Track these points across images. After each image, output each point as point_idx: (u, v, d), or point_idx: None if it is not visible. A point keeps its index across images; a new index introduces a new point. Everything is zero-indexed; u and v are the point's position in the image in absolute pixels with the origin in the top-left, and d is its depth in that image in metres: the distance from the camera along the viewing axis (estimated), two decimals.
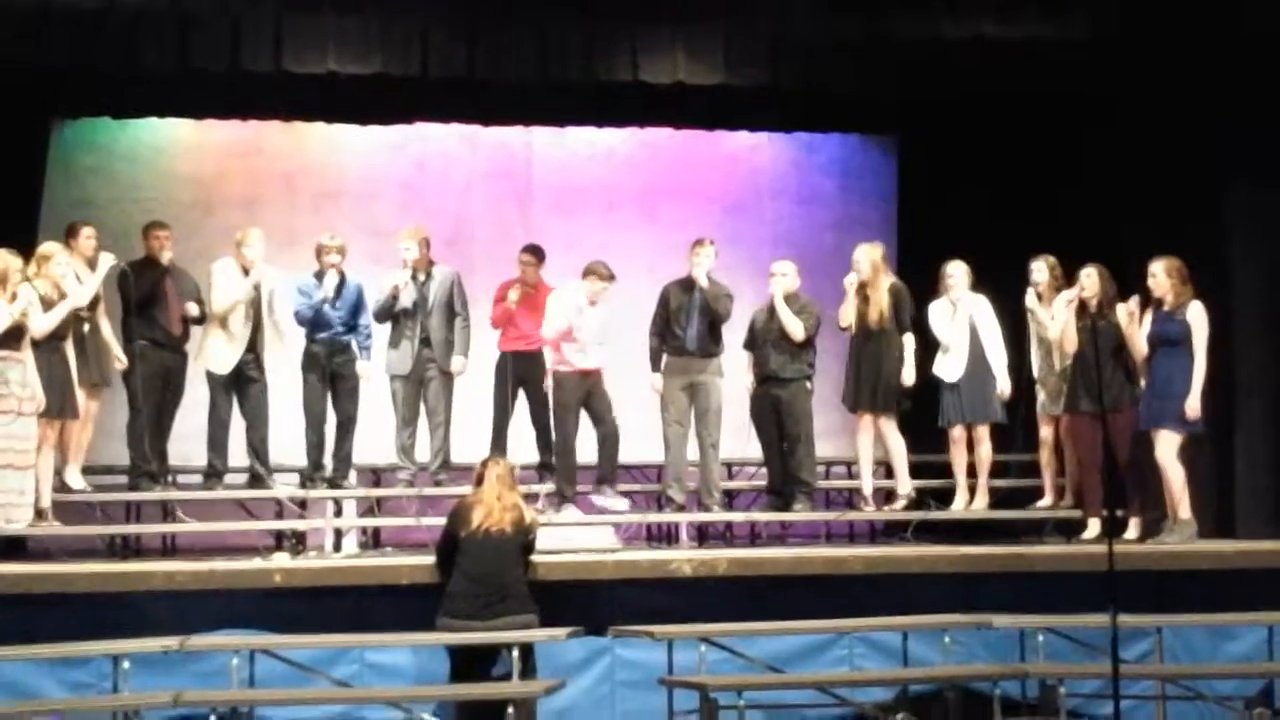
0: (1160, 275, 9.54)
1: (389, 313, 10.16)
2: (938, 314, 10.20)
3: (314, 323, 10.09)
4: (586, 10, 10.30)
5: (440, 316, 10.18)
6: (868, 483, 10.36)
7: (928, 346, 10.22)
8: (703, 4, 10.47)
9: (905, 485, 10.15)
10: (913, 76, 10.88)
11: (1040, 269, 10.06)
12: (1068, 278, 9.94)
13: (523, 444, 10.42)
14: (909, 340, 10.11)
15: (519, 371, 10.36)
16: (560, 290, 10.16)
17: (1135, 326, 9.59)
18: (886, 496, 10.41)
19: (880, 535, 10.73)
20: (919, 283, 10.56)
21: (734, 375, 10.31)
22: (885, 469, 10.44)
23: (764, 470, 10.44)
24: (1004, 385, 10.06)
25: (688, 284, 10.07)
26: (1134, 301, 9.63)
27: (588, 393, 10.01)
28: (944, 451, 10.21)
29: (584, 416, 10.08)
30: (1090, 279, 9.71)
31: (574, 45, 10.58)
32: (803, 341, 10.08)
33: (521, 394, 10.43)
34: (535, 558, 8.27)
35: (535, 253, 10.55)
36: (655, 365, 10.17)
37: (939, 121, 11.83)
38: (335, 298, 10.07)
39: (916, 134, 12.37)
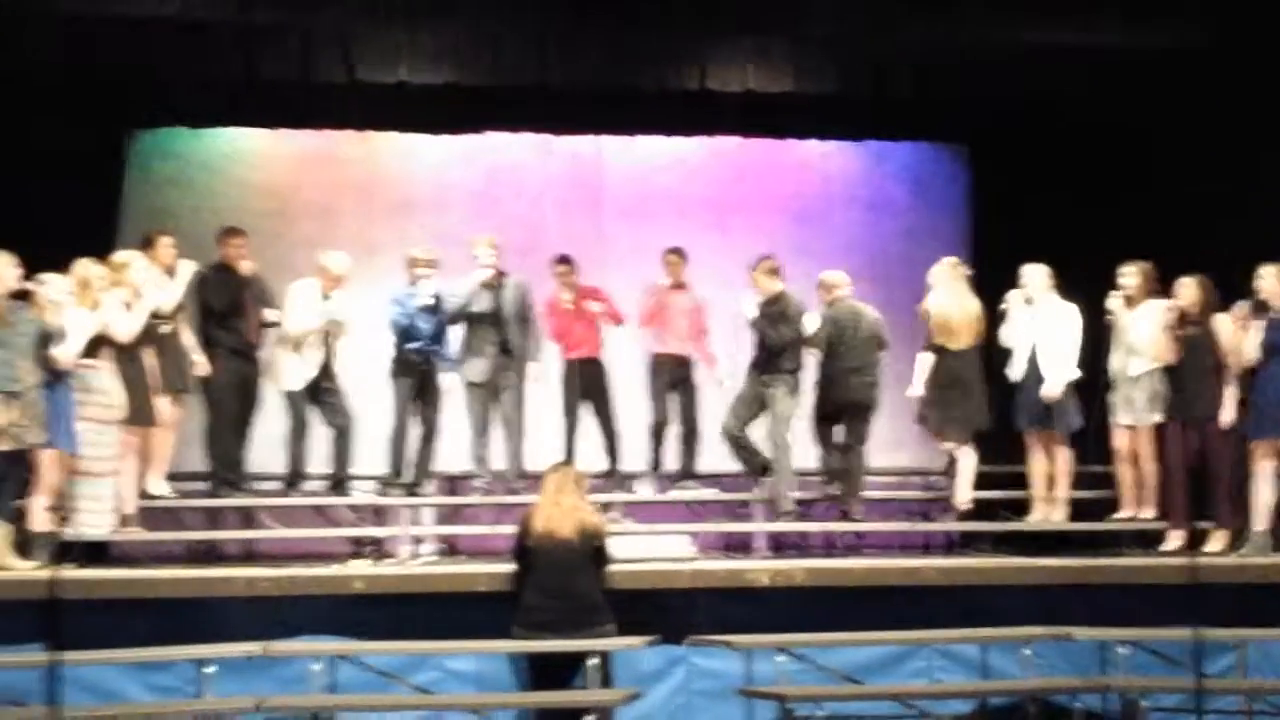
0: (1270, 280, 9.34)
1: (468, 317, 10.19)
2: (1011, 317, 10.14)
3: (406, 333, 10.16)
4: (657, 20, 10.32)
5: (516, 325, 10.24)
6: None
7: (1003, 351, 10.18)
8: (772, 13, 10.47)
9: (963, 499, 10.10)
10: (982, 83, 10.86)
11: (1131, 274, 9.88)
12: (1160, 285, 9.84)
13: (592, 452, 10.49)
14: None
15: (583, 379, 10.43)
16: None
17: (1242, 333, 9.42)
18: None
19: (957, 546, 10.67)
20: (990, 290, 10.53)
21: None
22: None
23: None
24: (1050, 386, 9.83)
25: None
26: (1242, 307, 9.50)
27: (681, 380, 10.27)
28: (1022, 461, 10.15)
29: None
30: (1186, 289, 9.56)
31: (644, 54, 10.65)
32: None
33: (588, 403, 10.51)
34: (612, 567, 8.29)
35: (567, 262, 10.61)
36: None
37: (1010, 128, 11.78)
38: (429, 309, 10.13)
39: (988, 140, 12.32)
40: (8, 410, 8.49)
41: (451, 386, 10.27)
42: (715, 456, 10.63)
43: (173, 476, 10.04)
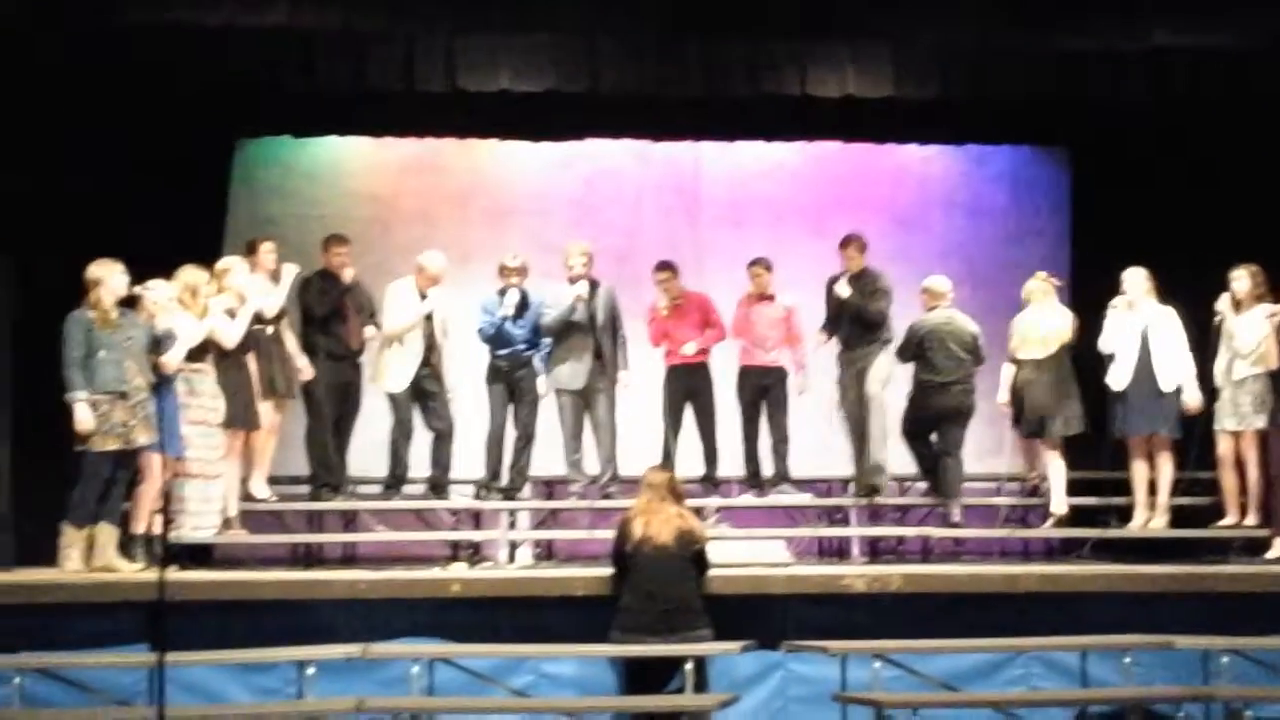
0: None
1: (563, 326, 10.27)
2: (1111, 321, 10.04)
3: (496, 339, 10.24)
4: (755, 25, 10.30)
5: (607, 332, 10.29)
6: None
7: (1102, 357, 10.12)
8: (871, 17, 10.41)
9: (1059, 505, 10.16)
10: (1083, 86, 10.74)
11: (1241, 277, 9.74)
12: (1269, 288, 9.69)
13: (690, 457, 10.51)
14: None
15: (685, 385, 10.46)
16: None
17: None
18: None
19: (1056, 553, 10.57)
20: (1093, 294, 10.45)
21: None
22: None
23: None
24: (1191, 396, 9.83)
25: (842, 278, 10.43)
26: None
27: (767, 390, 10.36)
28: (1124, 468, 10.04)
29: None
30: None
31: (742, 60, 10.60)
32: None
33: (689, 408, 10.52)
34: (711, 572, 8.28)
35: (669, 268, 10.65)
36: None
37: (1112, 130, 11.64)
38: (516, 316, 10.21)
39: (1089, 144, 12.18)
40: (116, 411, 8.68)
41: (546, 392, 10.33)
42: (810, 462, 10.62)
43: (275, 480, 10.20)
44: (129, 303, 8.94)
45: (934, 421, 10.22)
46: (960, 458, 10.23)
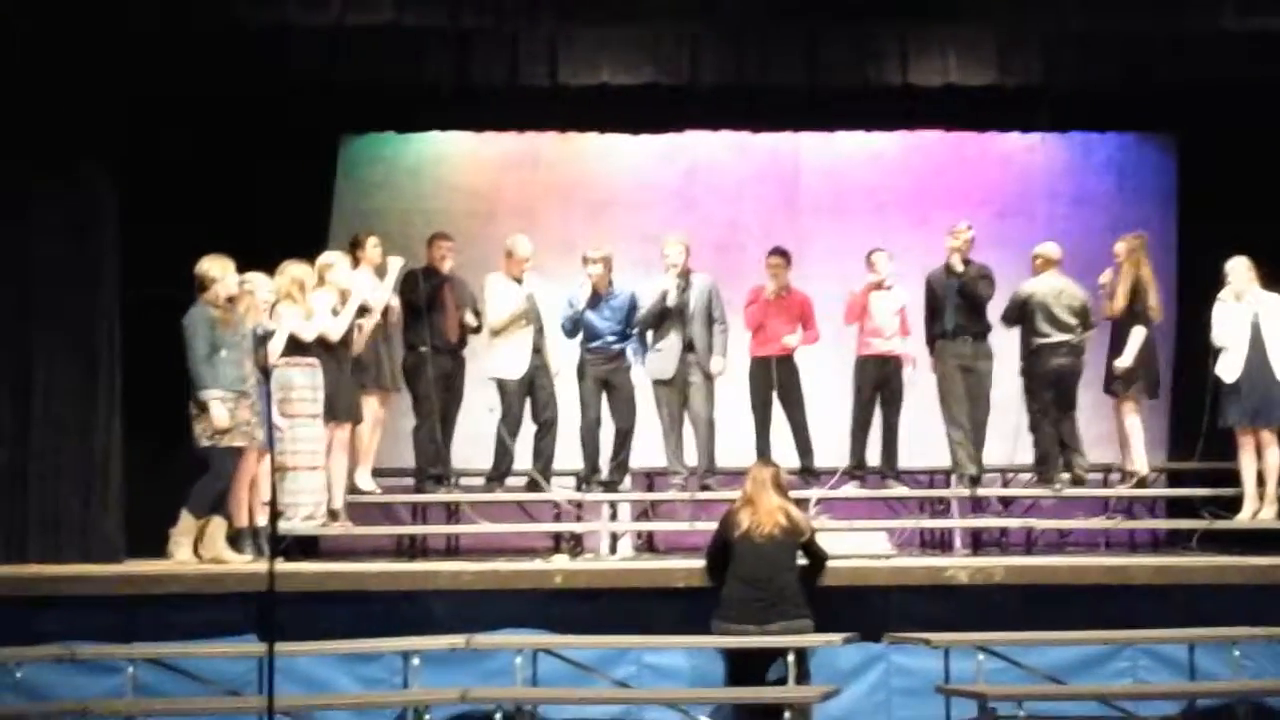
0: None
1: (657, 318, 10.30)
2: (1220, 313, 9.93)
3: (574, 331, 10.31)
4: (855, 14, 10.24)
5: (701, 322, 10.29)
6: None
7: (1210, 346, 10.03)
8: (973, 4, 10.31)
9: (1139, 464, 10.23)
10: (1191, 71, 10.57)
11: None
12: None
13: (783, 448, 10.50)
14: (1139, 331, 10.29)
15: (774, 376, 10.45)
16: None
17: None
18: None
19: (1163, 545, 10.45)
20: (1202, 282, 10.31)
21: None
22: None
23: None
24: None
25: (946, 268, 10.43)
26: None
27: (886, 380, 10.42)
28: (1231, 458, 9.90)
29: None
30: None
31: (842, 49, 10.54)
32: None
33: (776, 399, 10.53)
34: (805, 561, 8.29)
35: (783, 255, 10.64)
36: (930, 347, 10.52)
37: (1221, 116, 11.44)
38: (589, 308, 10.24)
39: (1197, 130, 11.99)
40: (241, 409, 8.84)
41: (640, 384, 10.36)
42: (913, 453, 10.58)
43: (379, 472, 10.32)
44: (231, 300, 9.09)
45: (1049, 381, 10.27)
46: (1075, 416, 10.29)
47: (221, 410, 8.77)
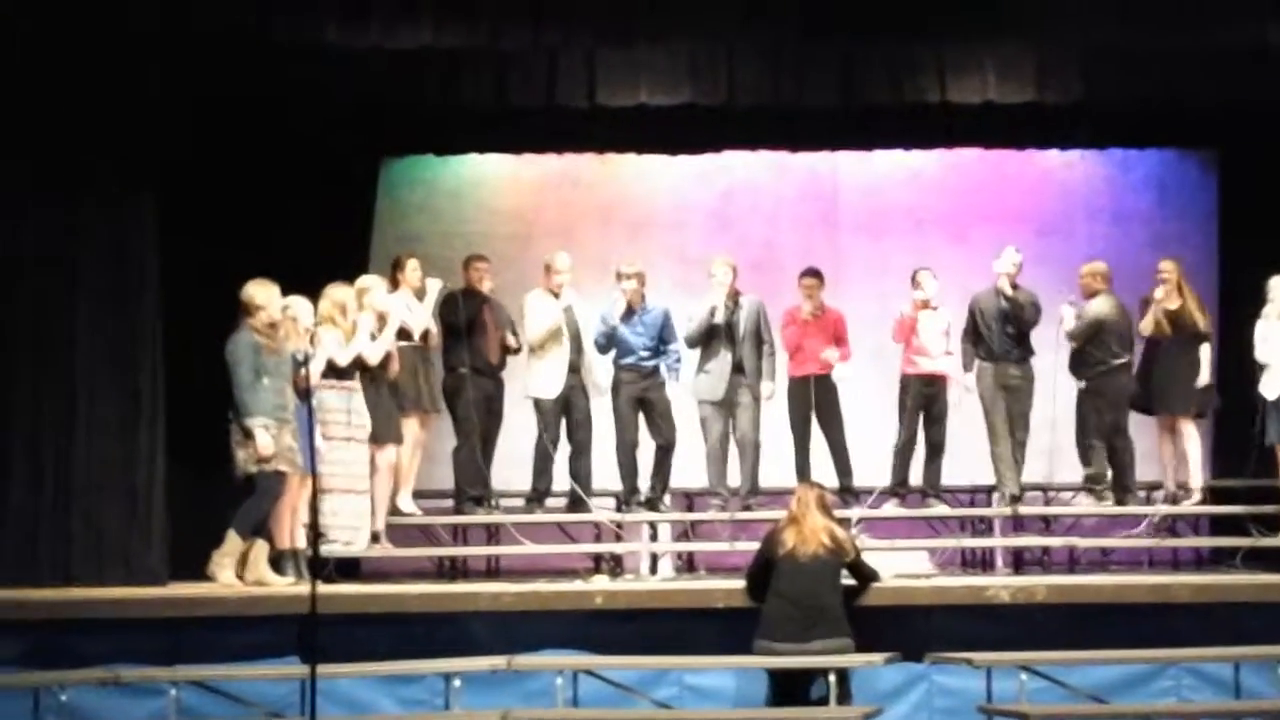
0: None
1: (705, 336, 10.30)
2: (1263, 330, 9.89)
3: (616, 348, 10.32)
4: (892, 32, 10.21)
5: (751, 344, 10.31)
6: (1170, 481, 10.42)
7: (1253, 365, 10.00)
8: (1012, 20, 10.25)
9: (1196, 481, 10.30)
10: (1233, 86, 10.52)
11: None
12: None
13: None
14: (1206, 348, 10.37)
15: (813, 395, 10.44)
16: None
17: None
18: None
19: (1206, 563, 10.39)
20: (1243, 301, 10.26)
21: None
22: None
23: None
24: None
25: (995, 291, 10.47)
26: None
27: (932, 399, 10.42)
28: (1274, 475, 9.83)
29: None
30: None
31: (880, 68, 10.55)
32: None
33: (815, 419, 10.52)
34: (848, 581, 8.27)
35: (816, 275, 10.65)
36: (967, 367, 10.55)
37: (1263, 132, 11.39)
38: (622, 323, 10.27)
39: (1239, 146, 11.92)
40: (284, 435, 8.88)
41: (675, 400, 10.36)
42: (953, 472, 10.55)
43: (419, 494, 10.35)
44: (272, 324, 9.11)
45: (1118, 401, 10.39)
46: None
47: (266, 437, 8.80)
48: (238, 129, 10.28)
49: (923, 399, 10.51)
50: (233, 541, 8.88)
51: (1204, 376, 10.27)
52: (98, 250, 9.49)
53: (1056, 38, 10.30)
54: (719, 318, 10.26)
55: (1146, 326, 10.38)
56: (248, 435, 8.83)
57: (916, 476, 10.58)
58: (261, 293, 8.99)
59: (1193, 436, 10.34)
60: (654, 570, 9.87)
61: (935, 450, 10.55)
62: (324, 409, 9.16)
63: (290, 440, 8.93)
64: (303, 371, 8.70)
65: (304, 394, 8.80)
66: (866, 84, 10.53)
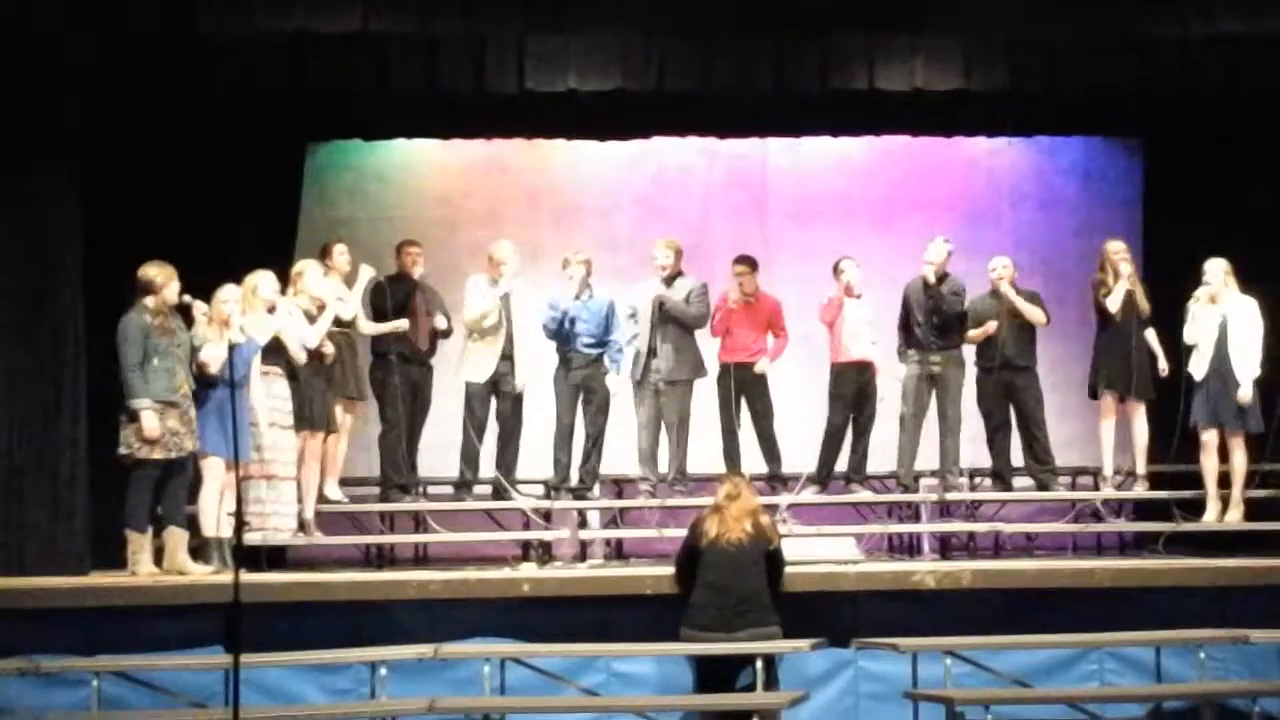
0: None
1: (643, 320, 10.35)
2: (1193, 312, 9.96)
3: (561, 336, 10.29)
4: (822, 20, 10.24)
5: (669, 327, 10.31)
6: (1109, 464, 10.41)
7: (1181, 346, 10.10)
8: (940, 9, 10.32)
9: (1142, 467, 10.33)
10: (1157, 76, 10.62)
11: None
12: None
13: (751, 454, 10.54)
14: (1152, 331, 10.36)
15: (740, 382, 10.45)
16: None
17: None
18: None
19: (1129, 548, 10.49)
20: (1166, 286, 10.36)
21: None
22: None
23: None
24: (1244, 392, 9.71)
25: (922, 282, 10.44)
26: None
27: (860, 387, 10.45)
28: (1197, 460, 9.94)
29: None
30: None
31: (810, 55, 10.55)
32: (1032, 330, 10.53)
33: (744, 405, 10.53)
34: (786, 570, 8.29)
35: (749, 263, 10.66)
36: (901, 356, 10.56)
37: (1186, 121, 11.49)
38: (577, 312, 10.23)
39: (1162, 135, 12.04)
40: (167, 419, 8.75)
41: (617, 390, 10.35)
42: (881, 459, 10.60)
43: (346, 481, 10.29)
44: (184, 310, 8.98)
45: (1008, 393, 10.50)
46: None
47: (152, 419, 8.64)
48: (164, 114, 10.14)
49: (853, 386, 10.52)
50: (134, 539, 8.77)
51: (1162, 362, 10.28)
52: (16, 237, 9.36)
53: (983, 26, 10.35)
54: (647, 307, 10.25)
55: (1114, 304, 10.28)
56: (132, 418, 8.71)
57: (844, 463, 10.59)
58: (161, 274, 8.84)
59: (1142, 422, 10.35)
60: (583, 558, 9.85)
61: (863, 437, 10.57)
62: (251, 395, 9.07)
63: (177, 425, 8.78)
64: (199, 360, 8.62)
65: (207, 380, 8.70)
66: (796, 71, 10.53)
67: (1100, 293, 10.34)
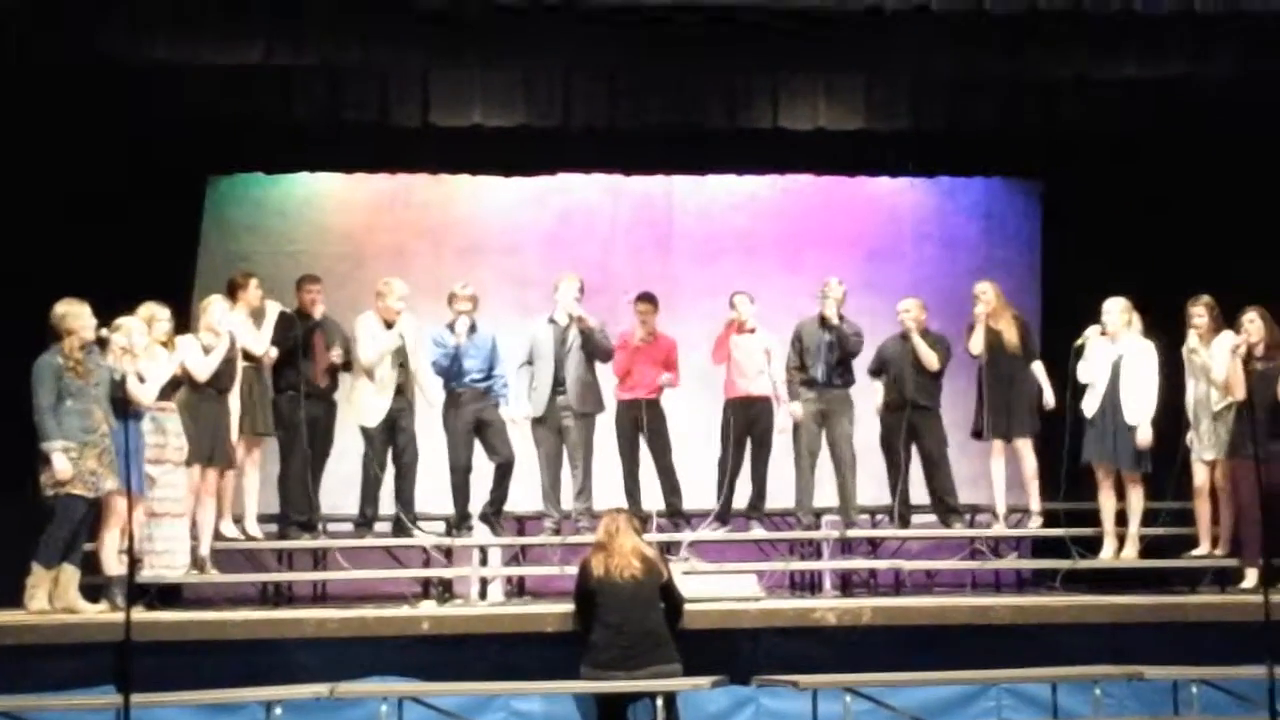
0: None
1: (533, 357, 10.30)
2: (1089, 350, 10.03)
3: (451, 371, 10.21)
4: (727, 58, 10.30)
5: (576, 361, 10.27)
6: (1001, 503, 10.43)
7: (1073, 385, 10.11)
8: (843, 49, 10.40)
9: (1036, 504, 10.38)
10: (1056, 118, 10.79)
11: (1200, 311, 9.80)
12: (1226, 319, 9.72)
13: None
14: (1039, 366, 10.41)
15: (642, 419, 10.46)
16: None
17: None
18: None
19: (1028, 585, 10.58)
20: (1063, 323, 10.48)
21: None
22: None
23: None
24: (1143, 435, 9.82)
25: (819, 320, 10.44)
26: None
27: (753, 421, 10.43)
28: (1093, 498, 10.04)
29: None
30: (1254, 323, 9.49)
31: (715, 93, 10.63)
32: (937, 371, 10.51)
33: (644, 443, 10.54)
34: (685, 606, 8.27)
35: (651, 301, 10.68)
36: (792, 395, 10.51)
37: (1083, 163, 11.70)
38: (468, 345, 10.16)
39: (1060, 176, 12.24)
40: (87, 459, 8.61)
41: (512, 419, 10.28)
42: (782, 496, 10.62)
43: (262, 518, 10.14)
44: (98, 343, 8.84)
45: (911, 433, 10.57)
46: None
47: (63, 461, 8.49)
48: (61, 142, 9.98)
49: (745, 421, 10.52)
50: (38, 572, 8.60)
51: (1048, 396, 10.36)
52: None
53: (886, 67, 10.45)
54: (546, 345, 10.22)
55: (976, 346, 10.42)
56: (46, 460, 8.58)
57: (744, 499, 10.59)
58: (71, 314, 8.66)
59: (1030, 458, 10.42)
60: (484, 595, 9.77)
61: (760, 473, 10.55)
62: (144, 431, 8.94)
63: (94, 464, 8.63)
64: (130, 392, 8.48)
65: (124, 415, 8.56)
66: (701, 108, 10.60)
67: (966, 336, 10.50)
